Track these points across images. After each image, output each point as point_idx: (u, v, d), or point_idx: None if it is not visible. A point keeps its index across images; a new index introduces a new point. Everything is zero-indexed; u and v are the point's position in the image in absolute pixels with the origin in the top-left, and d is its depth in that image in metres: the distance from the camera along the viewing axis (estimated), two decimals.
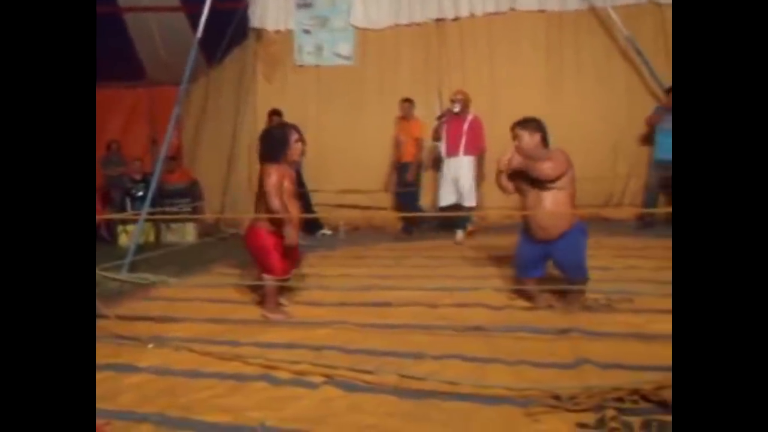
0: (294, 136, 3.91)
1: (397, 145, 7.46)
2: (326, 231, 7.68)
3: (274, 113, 7.46)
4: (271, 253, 3.84)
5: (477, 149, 6.61)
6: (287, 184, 3.84)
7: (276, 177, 3.77)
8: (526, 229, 3.83)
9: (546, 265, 3.91)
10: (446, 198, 6.72)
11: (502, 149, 7.02)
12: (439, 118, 6.80)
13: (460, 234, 6.65)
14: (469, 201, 6.60)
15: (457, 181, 6.60)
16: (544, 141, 3.73)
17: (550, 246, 3.70)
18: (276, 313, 3.87)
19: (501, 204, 7.43)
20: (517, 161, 3.70)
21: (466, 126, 6.59)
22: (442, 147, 6.80)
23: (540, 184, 3.62)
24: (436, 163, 7.36)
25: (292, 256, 4.00)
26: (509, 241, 6.29)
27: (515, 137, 3.74)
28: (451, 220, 6.80)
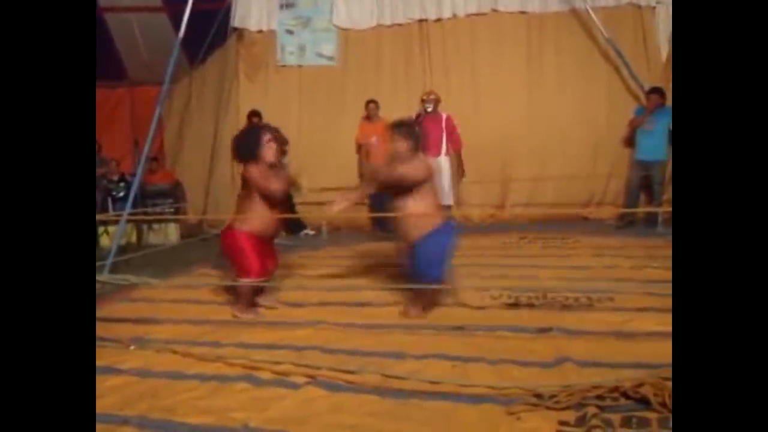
0: (266, 137, 3.90)
1: (364, 146, 7.47)
2: (309, 231, 7.67)
3: (253, 114, 7.44)
4: (249, 254, 3.83)
5: (456, 148, 6.68)
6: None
7: (259, 170, 3.81)
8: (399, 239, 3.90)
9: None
10: None
11: (483, 148, 7.05)
12: (417, 118, 6.83)
13: None
14: (448, 200, 6.66)
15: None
16: (414, 149, 3.76)
17: (413, 250, 3.70)
18: (247, 313, 3.87)
19: (482, 203, 7.51)
20: (384, 175, 3.80)
21: (443, 125, 6.67)
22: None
23: (399, 194, 3.68)
24: None
25: (271, 256, 4.02)
26: (490, 241, 6.35)
27: (390, 138, 3.84)
28: None
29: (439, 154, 6.70)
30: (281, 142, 7.57)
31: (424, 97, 6.80)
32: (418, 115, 6.84)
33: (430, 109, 6.74)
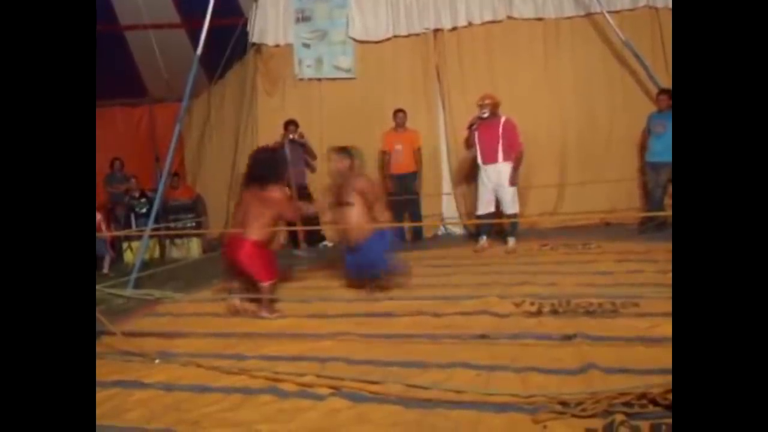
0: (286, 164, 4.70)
1: (391, 155, 7.48)
2: (328, 243, 7.68)
3: (290, 123, 7.40)
4: (268, 261, 4.30)
5: (515, 152, 6.35)
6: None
7: (282, 193, 4.44)
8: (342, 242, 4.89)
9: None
10: (486, 206, 6.49)
11: None
12: (470, 126, 6.59)
13: (511, 241, 6.43)
14: (513, 208, 6.40)
15: (499, 188, 6.38)
16: (352, 167, 4.70)
17: (356, 253, 4.62)
18: (271, 312, 4.20)
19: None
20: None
21: (500, 130, 6.34)
22: (477, 155, 6.54)
23: (343, 204, 4.60)
24: (473, 171, 7.03)
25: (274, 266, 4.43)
26: (517, 248, 6.30)
27: (330, 160, 4.72)
28: (484, 228, 6.70)
29: (495, 161, 6.36)
30: (310, 156, 7.62)
31: (480, 103, 6.45)
32: (473, 123, 6.57)
33: (486, 115, 6.37)
